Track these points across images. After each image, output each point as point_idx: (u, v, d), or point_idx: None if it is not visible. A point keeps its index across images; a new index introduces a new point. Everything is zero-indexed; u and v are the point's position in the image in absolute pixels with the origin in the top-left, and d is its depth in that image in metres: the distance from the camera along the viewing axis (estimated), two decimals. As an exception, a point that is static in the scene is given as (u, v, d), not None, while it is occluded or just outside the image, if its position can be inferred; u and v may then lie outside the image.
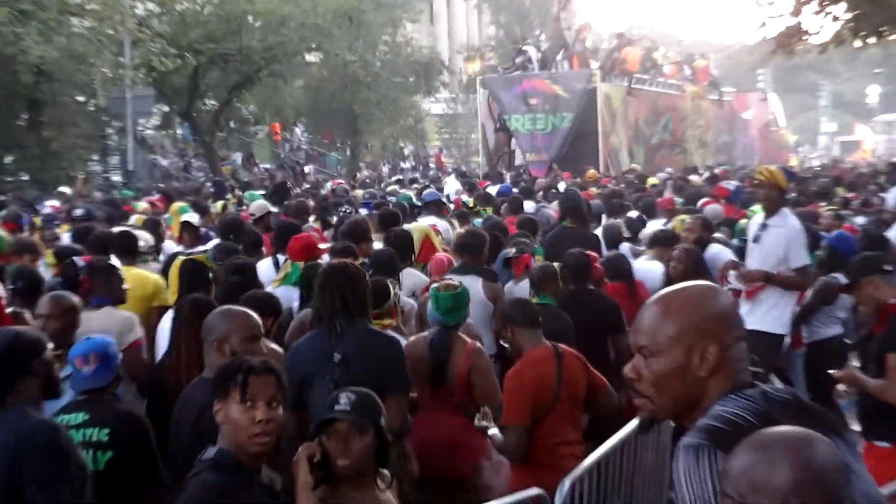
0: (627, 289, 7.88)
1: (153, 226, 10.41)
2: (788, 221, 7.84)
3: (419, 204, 12.92)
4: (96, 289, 6.24)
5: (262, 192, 16.85)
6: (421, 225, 9.60)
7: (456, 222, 11.07)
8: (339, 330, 4.88)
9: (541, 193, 16.64)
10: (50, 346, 4.01)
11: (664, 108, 31.41)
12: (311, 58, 35.42)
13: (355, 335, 4.87)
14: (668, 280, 7.62)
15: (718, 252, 8.66)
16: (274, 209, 11.40)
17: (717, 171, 23.98)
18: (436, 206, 11.95)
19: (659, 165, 28.14)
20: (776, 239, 7.77)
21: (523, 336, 5.46)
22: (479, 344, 5.81)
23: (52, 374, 3.94)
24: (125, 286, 6.45)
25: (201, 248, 9.05)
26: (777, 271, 7.77)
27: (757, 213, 8.58)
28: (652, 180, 19.05)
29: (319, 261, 7.26)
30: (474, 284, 7.04)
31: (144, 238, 8.93)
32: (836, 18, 22.22)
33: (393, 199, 14.50)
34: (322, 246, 7.91)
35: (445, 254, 8.49)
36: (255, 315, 4.43)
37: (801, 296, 8.05)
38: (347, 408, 3.77)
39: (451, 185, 17.37)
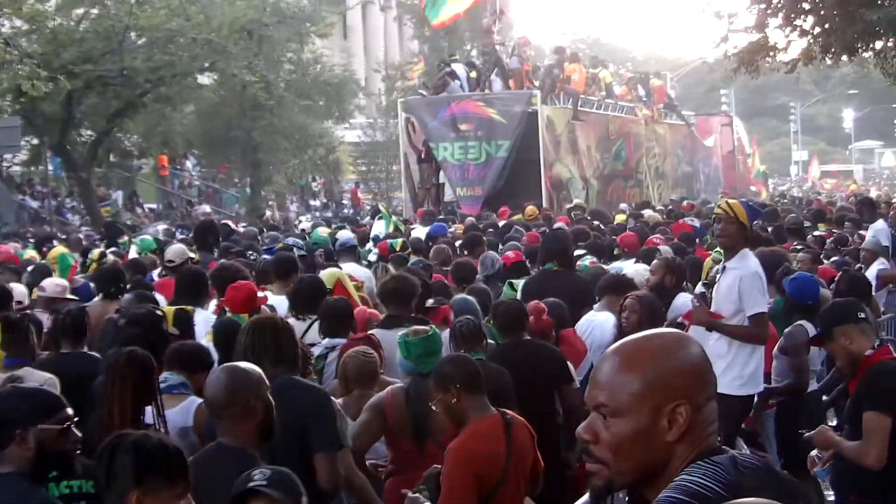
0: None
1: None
2: (745, 263, 7.89)
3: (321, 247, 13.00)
4: (11, 347, 6.43)
5: (151, 237, 16.84)
6: (331, 270, 9.72)
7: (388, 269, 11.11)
8: None
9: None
10: (68, 411, 4.03)
11: (616, 133, 31.73)
12: (203, 79, 35.37)
13: (276, 384, 4.95)
14: (621, 334, 7.56)
15: (688, 302, 8.57)
16: (193, 255, 11.51)
17: (683, 204, 24.49)
18: (355, 253, 12.06)
19: (611, 200, 28.51)
20: (730, 284, 7.80)
21: (468, 402, 5.35)
22: None
23: (54, 447, 3.95)
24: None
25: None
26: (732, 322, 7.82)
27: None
28: (619, 218, 19.37)
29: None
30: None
31: (19, 293, 9.07)
32: (804, 33, 22.77)
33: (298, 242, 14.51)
34: (261, 295, 8.02)
35: (366, 307, 8.64)
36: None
37: (767, 351, 8.10)
38: (264, 482, 3.82)
39: (379, 228, 17.34)
